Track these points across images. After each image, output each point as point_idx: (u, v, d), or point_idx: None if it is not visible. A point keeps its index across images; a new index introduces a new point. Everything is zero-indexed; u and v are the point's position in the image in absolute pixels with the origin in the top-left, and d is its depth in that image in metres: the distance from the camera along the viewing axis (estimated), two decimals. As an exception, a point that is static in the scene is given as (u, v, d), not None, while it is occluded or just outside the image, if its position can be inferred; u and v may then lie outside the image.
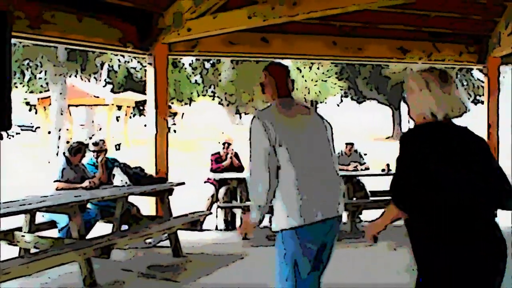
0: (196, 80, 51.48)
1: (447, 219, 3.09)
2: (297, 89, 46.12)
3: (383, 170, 11.73)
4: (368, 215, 11.34)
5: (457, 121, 3.40)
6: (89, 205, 8.86)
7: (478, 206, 3.14)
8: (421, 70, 3.43)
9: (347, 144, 12.32)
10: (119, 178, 9.08)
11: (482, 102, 13.18)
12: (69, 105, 29.78)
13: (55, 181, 8.78)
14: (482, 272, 3.12)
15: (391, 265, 8.37)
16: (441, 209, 3.08)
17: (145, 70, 11.16)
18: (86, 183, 8.76)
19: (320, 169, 4.36)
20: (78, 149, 9.07)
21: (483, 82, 12.65)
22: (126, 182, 9.06)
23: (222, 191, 11.13)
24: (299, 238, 4.22)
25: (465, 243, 3.10)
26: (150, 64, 10.65)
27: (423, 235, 3.20)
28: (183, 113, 47.00)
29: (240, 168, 11.63)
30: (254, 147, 4.30)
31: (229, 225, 11.32)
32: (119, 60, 43.97)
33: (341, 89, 49.27)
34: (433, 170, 3.07)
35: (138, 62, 41.11)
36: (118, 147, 30.57)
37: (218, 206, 11.08)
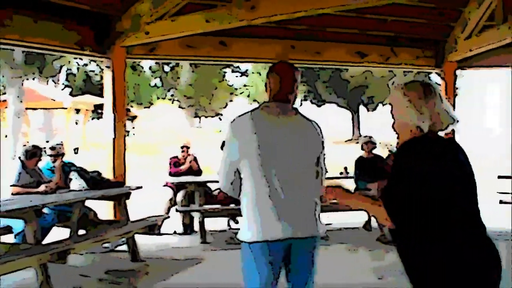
0: (155, 84, 51.36)
1: (445, 229, 3.07)
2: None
3: (341, 173, 11.81)
4: (326, 217, 11.39)
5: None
6: (45, 210, 8.75)
7: (473, 209, 3.17)
8: (404, 83, 3.38)
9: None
10: (76, 182, 9.00)
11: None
12: (26, 108, 29.51)
13: (11, 186, 8.69)
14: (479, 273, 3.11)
15: (353, 265, 8.46)
16: (438, 219, 3.05)
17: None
18: (42, 188, 8.67)
19: (293, 185, 4.07)
20: (33, 153, 8.97)
21: (440, 85, 12.80)
22: (83, 187, 8.98)
23: (180, 195, 11.10)
24: (253, 253, 4.08)
25: (464, 247, 3.09)
26: (108, 67, 10.56)
27: (418, 246, 3.14)
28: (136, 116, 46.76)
29: (199, 172, 11.63)
30: (223, 152, 4.22)
31: (188, 229, 11.30)
32: (77, 63, 43.74)
33: (300, 93, 49.45)
34: (430, 178, 3.05)
35: (97, 65, 40.91)
36: (76, 150, 30.32)
37: (176, 210, 11.05)
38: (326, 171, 4.41)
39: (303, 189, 4.13)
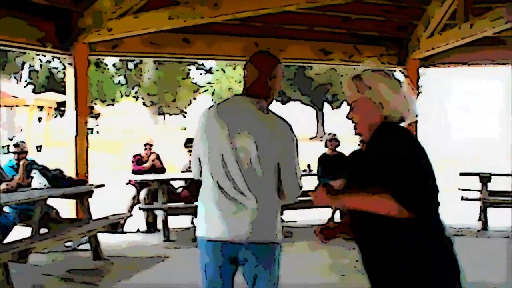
0: (119, 81, 51.10)
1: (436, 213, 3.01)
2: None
3: (304, 170, 11.82)
4: (290, 215, 11.41)
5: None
6: (6, 209, 8.63)
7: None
8: (380, 70, 3.22)
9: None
10: (38, 180, 8.90)
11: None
12: (-12, 106, 29.18)
13: (-29, 184, 8.58)
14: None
15: (315, 263, 8.49)
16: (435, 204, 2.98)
17: (68, 70, 10.98)
18: (3, 186, 8.56)
19: (243, 184, 3.81)
20: None
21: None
22: (44, 185, 8.89)
23: (143, 192, 11.05)
24: (201, 248, 4.00)
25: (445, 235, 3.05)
26: (70, 64, 10.50)
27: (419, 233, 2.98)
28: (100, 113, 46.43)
29: (162, 170, 11.56)
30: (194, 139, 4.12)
31: (151, 227, 11.25)
32: (40, 60, 43.38)
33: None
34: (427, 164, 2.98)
35: (60, 62, 40.58)
36: (39, 148, 30.03)
37: (140, 208, 10.99)
38: (296, 173, 3.99)
39: (255, 190, 3.83)
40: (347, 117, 3.24)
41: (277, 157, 3.87)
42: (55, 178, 9.04)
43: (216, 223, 3.89)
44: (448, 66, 13.83)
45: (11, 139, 23.17)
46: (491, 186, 11.68)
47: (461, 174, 11.83)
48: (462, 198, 11.53)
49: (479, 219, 11.65)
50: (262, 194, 3.85)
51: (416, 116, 3.22)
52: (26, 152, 9.48)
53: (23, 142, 9.63)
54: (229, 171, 3.84)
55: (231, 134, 3.85)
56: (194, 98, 52.95)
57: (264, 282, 3.94)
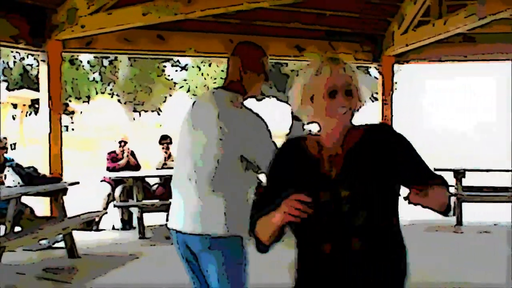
0: (94, 78, 50.81)
1: None
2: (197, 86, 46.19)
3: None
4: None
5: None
6: (-21, 207, 8.60)
7: None
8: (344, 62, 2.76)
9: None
10: (11, 178, 8.84)
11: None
12: (-40, 103, 28.94)
13: None
14: None
15: (285, 262, 8.47)
16: None
17: (42, 67, 10.92)
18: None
19: (192, 176, 3.71)
20: None
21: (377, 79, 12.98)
22: (18, 183, 8.82)
23: (118, 190, 11.03)
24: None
25: None
26: (43, 61, 10.43)
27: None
28: (81, 111, 46.26)
29: (137, 167, 11.53)
30: None
31: (126, 224, 11.22)
32: (14, 56, 43.03)
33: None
34: None
35: (35, 59, 40.30)
36: (13, 146, 29.84)
37: (115, 205, 10.95)
38: (259, 168, 3.66)
39: (206, 183, 3.66)
40: (343, 103, 2.72)
41: (240, 150, 3.63)
42: (29, 176, 8.99)
43: (173, 213, 3.98)
44: (423, 63, 13.90)
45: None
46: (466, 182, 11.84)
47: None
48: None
49: (454, 214, 11.73)
50: (214, 187, 3.65)
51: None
52: (7, 149, 9.49)
53: (5, 138, 9.67)
54: (186, 163, 3.80)
55: (194, 129, 3.81)
56: (170, 95, 52.75)
57: (214, 277, 3.73)
